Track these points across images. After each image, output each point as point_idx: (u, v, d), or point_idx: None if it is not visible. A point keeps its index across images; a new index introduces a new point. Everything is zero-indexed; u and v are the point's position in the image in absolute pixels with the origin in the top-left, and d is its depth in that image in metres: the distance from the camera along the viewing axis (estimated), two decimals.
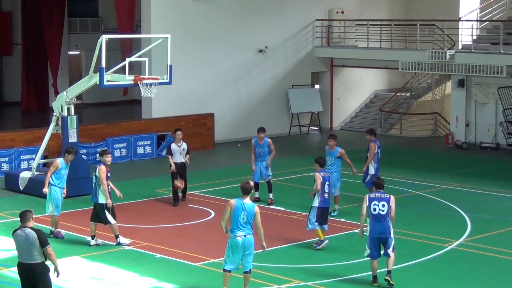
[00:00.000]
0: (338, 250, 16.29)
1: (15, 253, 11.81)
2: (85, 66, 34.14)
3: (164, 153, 26.16)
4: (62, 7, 32.89)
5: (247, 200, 13.25)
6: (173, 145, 20.41)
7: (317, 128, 33.13)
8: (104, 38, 19.62)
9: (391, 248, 13.81)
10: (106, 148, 18.12)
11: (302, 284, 14.05)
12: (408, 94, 34.38)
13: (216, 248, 16.50)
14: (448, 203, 20.46)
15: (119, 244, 16.44)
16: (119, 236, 16.53)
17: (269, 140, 20.28)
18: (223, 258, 15.54)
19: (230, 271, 13.26)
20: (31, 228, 11.62)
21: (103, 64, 19.66)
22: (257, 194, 20.61)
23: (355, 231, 17.72)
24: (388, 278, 13.73)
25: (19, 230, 11.65)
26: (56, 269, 11.76)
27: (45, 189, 17.05)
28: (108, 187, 16.39)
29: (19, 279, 11.92)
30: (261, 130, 20.34)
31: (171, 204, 20.44)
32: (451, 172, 25.06)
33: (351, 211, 19.40)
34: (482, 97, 29.81)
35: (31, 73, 32.92)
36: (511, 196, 21.44)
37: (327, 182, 16.26)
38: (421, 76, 33.85)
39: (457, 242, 16.84)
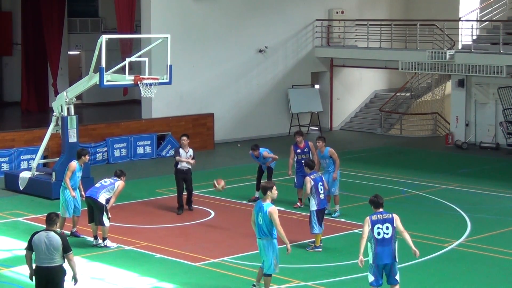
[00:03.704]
0: (338, 250, 16.30)
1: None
2: (85, 66, 34.14)
3: (169, 153, 26.22)
4: (62, 7, 32.89)
5: (266, 201, 13.07)
6: (181, 150, 19.53)
7: (317, 128, 33.12)
8: (104, 38, 19.61)
9: (397, 275, 12.43)
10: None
11: (302, 284, 14.06)
12: (408, 94, 34.38)
13: (216, 248, 16.52)
14: (448, 203, 20.46)
15: (104, 246, 16.40)
16: (107, 239, 16.52)
17: (264, 152, 20.25)
18: (223, 258, 15.65)
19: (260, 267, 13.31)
20: (55, 232, 11.51)
21: (103, 64, 19.65)
22: (257, 194, 20.62)
23: (355, 231, 17.73)
24: None
25: (43, 232, 11.48)
26: (74, 276, 11.66)
27: (73, 193, 16.93)
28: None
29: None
30: (254, 148, 20.20)
31: (171, 203, 20.42)
32: (451, 172, 25.05)
33: (351, 211, 19.39)
34: (482, 97, 29.81)
35: (31, 73, 32.92)
36: (511, 196, 21.43)
37: (320, 183, 16.23)
38: (421, 76, 33.84)
39: (457, 242, 16.84)
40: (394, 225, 12.32)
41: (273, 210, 12.93)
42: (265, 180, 13.39)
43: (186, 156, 19.44)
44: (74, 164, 17.08)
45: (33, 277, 11.61)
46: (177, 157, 19.48)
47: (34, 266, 11.58)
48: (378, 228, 12.25)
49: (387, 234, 12.25)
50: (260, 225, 13.00)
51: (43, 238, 11.39)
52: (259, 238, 13.09)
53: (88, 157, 17.41)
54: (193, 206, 19.93)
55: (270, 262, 13.05)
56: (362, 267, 12.41)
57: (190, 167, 19.60)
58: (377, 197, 12.53)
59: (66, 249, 11.45)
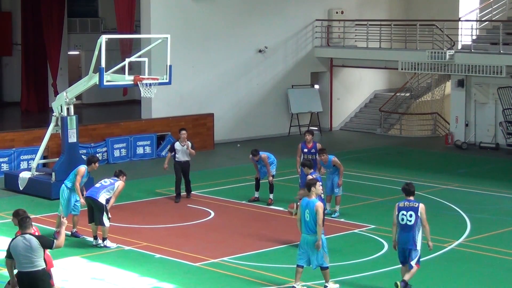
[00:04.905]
0: (338, 250, 16.28)
1: None
2: (85, 66, 34.13)
3: (165, 151, 26.24)
4: (62, 7, 32.89)
5: (311, 197, 13.46)
6: (177, 144, 20.68)
7: (316, 128, 33.11)
8: (104, 38, 19.62)
9: (414, 261, 13.34)
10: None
11: (302, 284, 14.04)
12: (407, 94, 34.38)
13: (216, 248, 16.52)
14: (448, 203, 20.46)
15: (104, 246, 16.40)
16: (107, 239, 16.51)
17: (263, 155, 20.25)
18: (223, 258, 15.65)
19: (301, 266, 13.51)
20: (31, 234, 11.28)
21: (103, 64, 19.65)
22: (256, 194, 20.63)
23: (355, 231, 17.74)
24: (398, 283, 13.31)
25: (20, 237, 11.26)
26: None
27: (82, 200, 16.79)
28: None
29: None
30: (254, 153, 20.21)
31: (171, 203, 20.48)
32: (451, 172, 25.05)
33: (351, 211, 19.40)
34: (481, 97, 29.81)
35: (31, 73, 32.92)
36: (511, 196, 21.44)
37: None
38: (420, 76, 33.84)
39: (457, 242, 16.84)
40: (418, 214, 13.09)
41: (320, 205, 13.39)
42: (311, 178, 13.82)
43: (183, 149, 20.46)
44: (83, 169, 17.06)
45: (15, 286, 11.39)
46: (168, 154, 20.89)
47: (15, 272, 11.33)
48: (403, 214, 13.20)
49: (410, 221, 13.13)
50: (307, 222, 13.34)
51: (21, 243, 11.17)
52: (307, 234, 13.41)
53: (97, 165, 17.36)
54: (192, 205, 20.03)
55: (322, 256, 13.40)
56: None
57: (188, 159, 20.58)
58: (409, 186, 13.46)
59: (47, 245, 11.22)
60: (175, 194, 20.70)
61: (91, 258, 15.76)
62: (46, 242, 11.30)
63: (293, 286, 13.51)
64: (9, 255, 11.38)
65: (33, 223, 11.60)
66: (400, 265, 13.64)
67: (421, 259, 15.37)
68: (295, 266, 13.68)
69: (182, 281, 14.42)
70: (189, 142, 20.64)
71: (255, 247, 16.51)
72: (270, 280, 14.32)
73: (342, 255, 15.93)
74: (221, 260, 15.60)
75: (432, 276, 14.57)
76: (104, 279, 14.55)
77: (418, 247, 13.25)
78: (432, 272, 14.80)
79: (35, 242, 11.17)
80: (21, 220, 11.43)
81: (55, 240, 11.36)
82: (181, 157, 20.54)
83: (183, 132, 20.70)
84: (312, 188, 13.50)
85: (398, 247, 13.37)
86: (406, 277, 13.35)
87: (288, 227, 18.23)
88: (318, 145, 19.70)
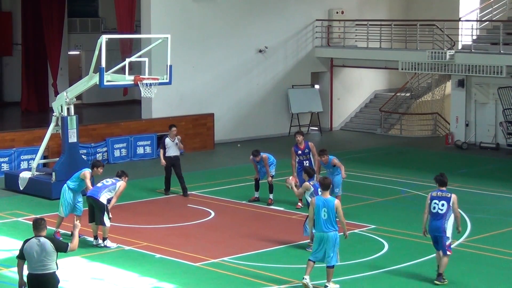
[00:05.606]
0: None
1: (16, 253, 11.66)
2: (85, 66, 34.14)
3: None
4: (62, 7, 32.90)
5: (327, 196, 13.74)
6: (167, 140, 21.15)
7: (317, 128, 33.13)
8: (104, 38, 19.61)
9: (445, 247, 13.94)
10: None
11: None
12: (408, 94, 34.38)
13: (216, 248, 16.52)
14: None
15: (104, 246, 16.40)
16: (107, 239, 16.52)
17: (264, 156, 20.26)
18: (223, 258, 15.65)
19: (312, 262, 13.71)
20: (45, 237, 11.18)
21: (103, 64, 19.64)
22: (256, 194, 20.63)
23: (355, 231, 17.73)
24: (437, 282, 14.02)
25: (34, 240, 11.15)
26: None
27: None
28: None
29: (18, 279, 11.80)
30: (255, 154, 20.23)
31: (171, 203, 20.48)
32: (451, 172, 24.98)
33: (351, 211, 19.38)
34: (482, 97, 29.81)
35: (31, 73, 32.92)
36: (511, 196, 21.43)
37: (319, 188, 16.22)
38: (421, 76, 33.85)
39: (457, 242, 16.80)
40: (450, 203, 13.79)
41: (338, 203, 13.82)
42: (324, 176, 14.26)
43: (173, 144, 21.09)
44: (88, 173, 17.01)
45: (23, 287, 11.34)
46: (161, 150, 21.31)
47: (26, 274, 11.25)
48: (435, 203, 13.92)
49: (441, 210, 13.85)
50: (325, 220, 13.60)
51: (35, 245, 11.09)
52: (325, 232, 13.59)
53: (101, 170, 17.18)
54: (192, 205, 20.03)
55: (335, 254, 13.66)
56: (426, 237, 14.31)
57: (178, 154, 21.16)
58: (443, 176, 14.16)
59: (61, 248, 11.17)
60: (164, 188, 21.37)
61: (91, 258, 15.75)
62: (61, 245, 11.25)
63: (303, 278, 13.63)
64: (21, 256, 11.31)
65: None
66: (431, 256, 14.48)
67: (421, 259, 15.43)
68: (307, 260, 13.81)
69: (182, 281, 14.42)
70: (178, 137, 21.24)
71: (255, 247, 16.50)
72: (270, 280, 14.32)
73: (342, 255, 15.88)
74: (221, 260, 15.60)
75: (432, 276, 14.55)
76: (104, 279, 14.55)
77: (448, 234, 13.89)
78: (432, 272, 14.79)
79: (49, 245, 11.10)
80: (36, 223, 11.33)
81: (69, 244, 11.34)
82: (171, 152, 21.02)
83: (174, 128, 21.32)
84: (331, 186, 13.97)
85: (429, 233, 14.02)
86: (441, 269, 14.00)
87: (288, 227, 18.23)
88: (310, 144, 19.81)
